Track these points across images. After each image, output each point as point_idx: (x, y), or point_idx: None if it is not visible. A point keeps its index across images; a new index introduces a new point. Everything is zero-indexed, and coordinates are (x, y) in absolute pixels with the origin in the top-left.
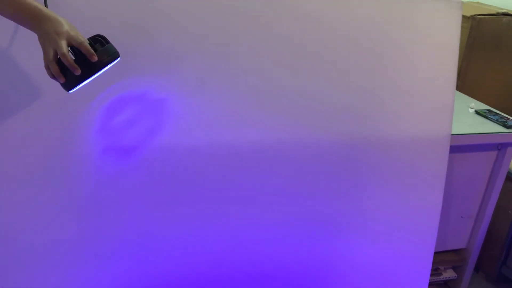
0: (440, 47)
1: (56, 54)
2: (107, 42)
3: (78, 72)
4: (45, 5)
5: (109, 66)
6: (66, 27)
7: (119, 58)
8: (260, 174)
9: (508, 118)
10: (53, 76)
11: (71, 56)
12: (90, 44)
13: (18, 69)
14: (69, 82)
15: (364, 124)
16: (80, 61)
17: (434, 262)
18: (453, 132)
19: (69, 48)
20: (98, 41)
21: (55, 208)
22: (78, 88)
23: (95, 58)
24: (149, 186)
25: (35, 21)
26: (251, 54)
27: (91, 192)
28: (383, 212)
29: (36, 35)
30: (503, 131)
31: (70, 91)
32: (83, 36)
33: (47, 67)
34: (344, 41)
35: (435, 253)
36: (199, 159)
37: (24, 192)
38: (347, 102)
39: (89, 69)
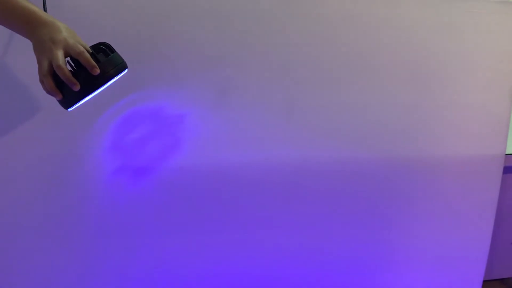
0: (496, 55)
1: (51, 66)
2: (112, 51)
3: (76, 87)
4: (44, 9)
5: (115, 79)
6: (64, 34)
7: (126, 70)
8: (290, 197)
9: None
10: (49, 92)
11: (69, 69)
12: (91, 54)
13: (16, 78)
14: (67, 98)
15: (408, 142)
16: (80, 74)
17: None
18: (507, 151)
19: (68, 59)
20: (102, 51)
21: (59, 236)
22: (78, 106)
23: (97, 71)
24: (164, 211)
25: (28, 27)
26: (279, 64)
27: (100, 218)
28: (428, 238)
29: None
30: None
31: (69, 109)
32: (86, 44)
33: (42, 81)
34: (387, 49)
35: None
36: (221, 181)
37: (25, 219)
38: (389, 118)
39: (90, 83)
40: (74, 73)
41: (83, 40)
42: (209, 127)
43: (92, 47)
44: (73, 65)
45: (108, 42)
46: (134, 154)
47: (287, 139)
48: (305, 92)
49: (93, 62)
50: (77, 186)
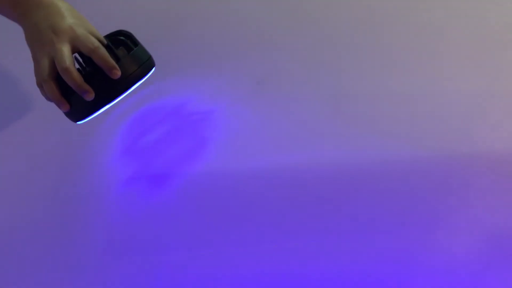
0: None
1: (53, 65)
2: (136, 43)
3: (90, 96)
4: None
5: (140, 82)
6: (69, 20)
7: (154, 69)
8: (340, 203)
9: None
10: (51, 100)
11: (78, 69)
12: (108, 48)
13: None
14: (77, 110)
15: (474, 136)
16: (94, 77)
17: None
18: None
19: (76, 55)
20: (121, 43)
21: (63, 256)
22: (92, 118)
23: (118, 74)
24: (187, 225)
25: (17, 8)
26: (326, 46)
27: (111, 235)
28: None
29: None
30: None
31: (79, 122)
32: (99, 34)
33: (40, 85)
34: (457, 25)
35: None
36: (257, 188)
37: (23, 237)
38: (451, 107)
39: (109, 90)
40: (85, 75)
41: (94, 26)
42: (242, 125)
43: (108, 37)
44: (82, 62)
45: (128, 31)
46: (150, 159)
47: (334, 136)
48: (356, 79)
49: (112, 62)
50: (83, 199)
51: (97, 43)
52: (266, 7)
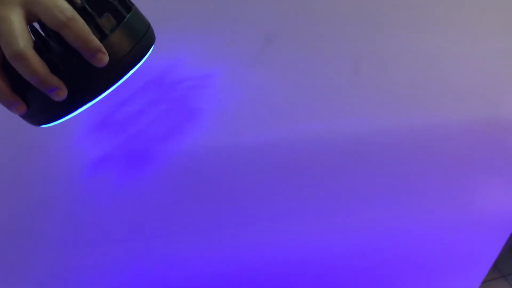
0: None
1: None
2: (129, 6)
3: (61, 95)
4: None
5: (137, 67)
6: None
7: (153, 45)
8: (354, 175)
9: None
10: None
11: (37, 45)
12: (86, 14)
13: None
14: (40, 112)
15: (501, 101)
16: (67, 65)
17: None
18: None
19: (35, 29)
20: (107, 7)
21: (20, 254)
22: (62, 121)
23: (104, 59)
24: (173, 212)
25: None
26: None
27: (76, 227)
28: None
29: None
30: None
31: (44, 126)
32: None
33: None
34: None
35: None
36: (259, 165)
37: None
38: (479, 70)
39: (90, 84)
40: (51, 59)
41: None
42: (244, 91)
43: None
44: (43, 33)
45: None
46: (127, 135)
47: (352, 104)
48: (377, 41)
49: (96, 41)
50: (42, 185)
51: (70, 11)
52: None
